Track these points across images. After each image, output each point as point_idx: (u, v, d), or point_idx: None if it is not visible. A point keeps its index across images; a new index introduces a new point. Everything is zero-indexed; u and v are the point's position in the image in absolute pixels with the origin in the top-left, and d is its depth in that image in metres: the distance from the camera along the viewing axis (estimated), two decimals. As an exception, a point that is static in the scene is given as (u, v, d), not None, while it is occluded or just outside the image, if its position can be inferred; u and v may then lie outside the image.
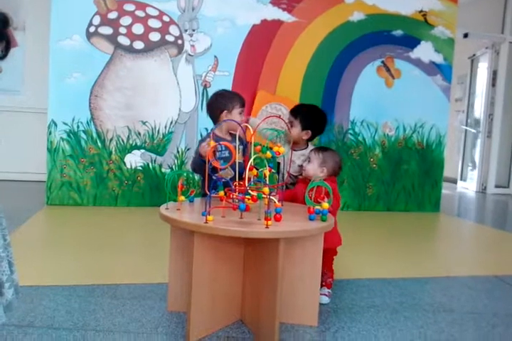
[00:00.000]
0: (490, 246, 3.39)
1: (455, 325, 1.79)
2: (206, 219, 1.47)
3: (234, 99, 2.13)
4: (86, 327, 1.62)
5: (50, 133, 3.98)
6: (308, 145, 2.26)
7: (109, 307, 1.81)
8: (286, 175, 2.14)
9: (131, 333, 1.59)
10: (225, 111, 2.08)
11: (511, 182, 6.58)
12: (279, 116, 2.35)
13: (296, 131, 2.20)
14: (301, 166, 2.12)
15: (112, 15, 3.99)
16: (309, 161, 2.05)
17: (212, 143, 1.73)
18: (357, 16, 4.40)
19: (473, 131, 6.86)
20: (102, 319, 1.70)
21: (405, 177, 4.58)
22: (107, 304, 1.84)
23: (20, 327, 1.60)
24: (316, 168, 2.01)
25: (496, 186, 6.55)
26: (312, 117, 2.24)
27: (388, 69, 4.50)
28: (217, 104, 2.12)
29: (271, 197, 1.56)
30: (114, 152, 4.07)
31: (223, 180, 1.72)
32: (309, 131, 2.20)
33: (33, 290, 1.95)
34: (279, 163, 2.15)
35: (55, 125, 3.98)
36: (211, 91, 4.11)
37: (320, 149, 2.08)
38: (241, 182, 1.73)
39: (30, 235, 2.97)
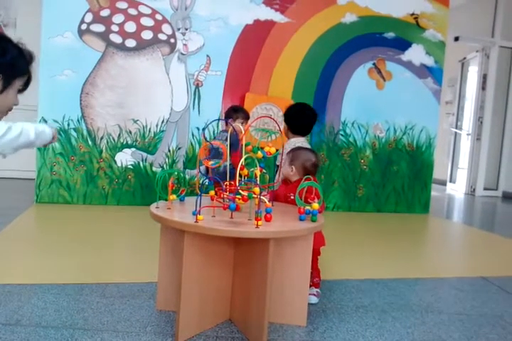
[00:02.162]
0: (478, 248, 3.42)
1: (442, 326, 1.81)
2: (196, 219, 1.47)
3: (239, 112, 3.11)
4: (74, 326, 1.61)
5: (40, 130, 3.94)
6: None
7: (98, 306, 1.80)
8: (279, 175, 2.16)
9: (119, 332, 1.58)
10: (231, 119, 2.96)
11: (500, 185, 6.65)
12: (270, 117, 2.37)
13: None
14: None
15: (104, 12, 3.97)
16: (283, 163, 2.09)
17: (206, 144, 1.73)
18: (349, 18, 4.42)
19: (460, 132, 6.92)
20: (90, 318, 1.69)
21: (395, 178, 4.62)
22: (95, 303, 1.83)
23: (8, 325, 1.59)
24: (286, 167, 2.04)
25: (485, 188, 6.62)
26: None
27: (379, 72, 4.52)
28: (227, 114, 3.16)
29: (261, 197, 1.57)
30: (104, 150, 4.05)
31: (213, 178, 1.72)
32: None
33: (21, 288, 1.94)
34: (278, 166, 2.17)
35: (45, 122, 3.95)
36: (203, 91, 4.13)
37: (291, 149, 2.12)
38: (232, 182, 1.74)
39: (19, 233, 2.94)
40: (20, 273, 2.15)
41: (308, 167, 2.04)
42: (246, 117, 3.12)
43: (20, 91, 1.22)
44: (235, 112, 3.10)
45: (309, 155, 2.06)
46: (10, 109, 1.22)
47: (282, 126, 2.56)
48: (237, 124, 2.02)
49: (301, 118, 2.51)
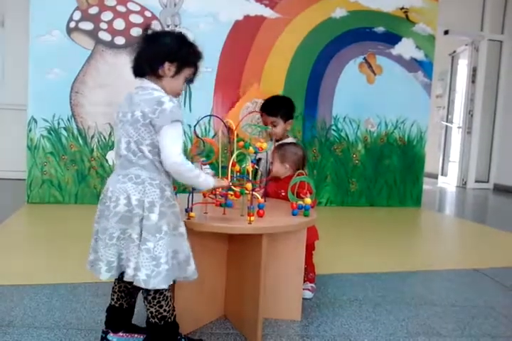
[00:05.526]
0: (470, 240, 3.45)
1: (436, 318, 1.82)
2: (188, 216, 1.47)
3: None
4: (68, 326, 1.60)
5: (30, 130, 3.92)
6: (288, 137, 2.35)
7: (91, 305, 1.79)
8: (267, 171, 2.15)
9: (113, 331, 1.57)
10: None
11: (491, 177, 6.70)
12: (260, 112, 2.35)
13: (281, 127, 2.28)
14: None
15: (93, 10, 3.93)
16: (271, 162, 2.06)
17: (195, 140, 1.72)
18: (339, 13, 4.42)
19: (451, 125, 6.96)
20: (83, 317, 1.68)
21: (387, 172, 4.63)
22: (88, 302, 1.82)
23: (0, 326, 1.57)
24: (279, 167, 2.02)
25: (476, 181, 6.67)
26: (287, 106, 2.36)
27: (370, 66, 4.53)
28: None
29: (254, 192, 1.56)
30: (95, 149, 4.02)
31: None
32: (291, 120, 2.33)
33: (13, 289, 1.92)
34: (259, 159, 2.16)
35: (35, 122, 3.91)
36: (194, 88, 4.10)
37: (278, 147, 2.09)
38: (224, 178, 1.73)
39: (10, 234, 2.92)
40: (12, 273, 2.13)
41: (302, 162, 2.05)
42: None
43: (189, 81, 1.47)
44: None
45: (296, 149, 2.06)
46: (178, 94, 1.46)
47: (281, 126, 2.29)
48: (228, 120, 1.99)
49: (288, 100, 2.40)
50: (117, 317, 1.47)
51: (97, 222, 1.39)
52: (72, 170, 3.99)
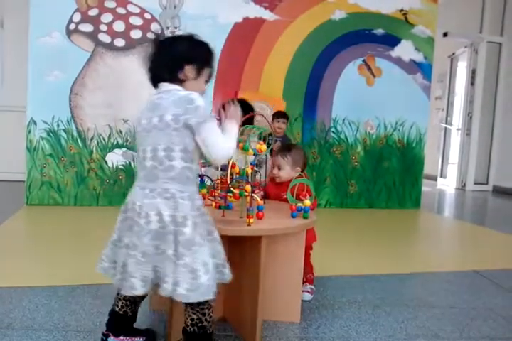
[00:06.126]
0: (469, 242, 3.45)
1: (435, 320, 1.82)
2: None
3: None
4: (67, 328, 1.60)
5: (29, 132, 3.92)
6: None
7: (90, 307, 1.79)
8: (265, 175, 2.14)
9: (112, 333, 1.57)
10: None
11: (490, 179, 6.70)
12: (263, 115, 2.34)
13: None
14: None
15: (93, 12, 3.94)
16: (279, 168, 2.01)
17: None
18: (338, 15, 4.43)
19: (450, 127, 6.97)
20: (83, 319, 1.68)
21: (386, 174, 4.64)
22: (88, 304, 1.82)
23: (-1, 328, 1.57)
24: (289, 171, 1.99)
25: (475, 183, 6.67)
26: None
27: (369, 68, 4.54)
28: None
29: (253, 194, 1.56)
30: (95, 151, 4.02)
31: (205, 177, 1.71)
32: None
33: (12, 291, 1.92)
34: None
35: (35, 124, 3.92)
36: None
37: (284, 151, 2.03)
38: (223, 180, 1.73)
39: (9, 235, 2.92)
40: (11, 275, 2.13)
41: (306, 162, 2.06)
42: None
43: (206, 82, 1.46)
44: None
45: (302, 151, 2.06)
46: (201, 95, 1.41)
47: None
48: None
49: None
50: (120, 323, 1.46)
51: (121, 232, 1.35)
52: (72, 172, 3.99)
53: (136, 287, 1.28)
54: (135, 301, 1.46)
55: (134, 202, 1.31)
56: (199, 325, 1.33)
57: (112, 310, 1.47)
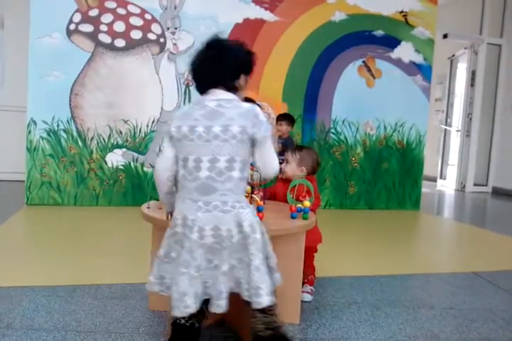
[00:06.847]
0: (468, 243, 3.45)
1: (434, 321, 1.82)
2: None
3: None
4: (66, 328, 1.60)
5: (29, 132, 3.92)
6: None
7: (90, 307, 1.79)
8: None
9: (112, 333, 1.58)
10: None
11: (489, 181, 6.70)
12: (268, 114, 2.34)
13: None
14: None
15: (93, 12, 3.94)
16: (287, 162, 2.06)
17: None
18: (338, 16, 4.43)
19: (450, 128, 6.97)
20: (82, 319, 1.68)
21: (386, 175, 4.64)
22: (87, 304, 1.82)
23: (-1, 328, 1.57)
24: (294, 169, 2.02)
25: (475, 184, 6.67)
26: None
27: (369, 69, 4.54)
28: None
29: (253, 195, 1.57)
30: (95, 151, 4.02)
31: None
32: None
33: (12, 290, 1.92)
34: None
35: (35, 124, 3.92)
36: (194, 90, 4.11)
37: (296, 149, 2.09)
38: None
39: (9, 235, 2.92)
40: (11, 275, 2.13)
41: (316, 167, 2.06)
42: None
43: None
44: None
45: (314, 154, 2.07)
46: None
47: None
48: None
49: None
50: (186, 337, 1.37)
51: (169, 248, 1.33)
52: (72, 172, 3.99)
53: (190, 305, 1.26)
54: (201, 310, 1.36)
55: (186, 217, 1.27)
56: (274, 325, 1.32)
57: (177, 323, 1.36)
